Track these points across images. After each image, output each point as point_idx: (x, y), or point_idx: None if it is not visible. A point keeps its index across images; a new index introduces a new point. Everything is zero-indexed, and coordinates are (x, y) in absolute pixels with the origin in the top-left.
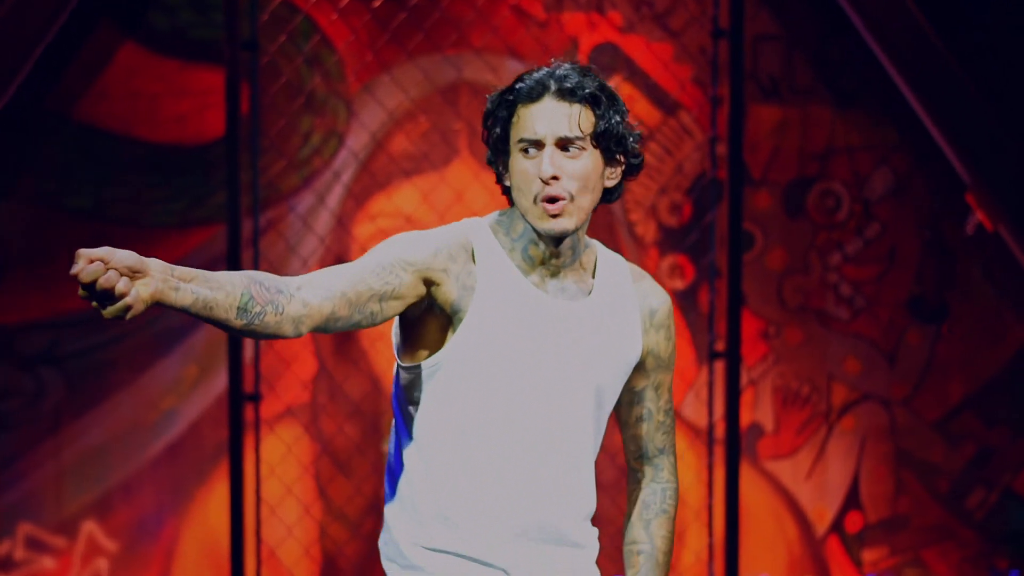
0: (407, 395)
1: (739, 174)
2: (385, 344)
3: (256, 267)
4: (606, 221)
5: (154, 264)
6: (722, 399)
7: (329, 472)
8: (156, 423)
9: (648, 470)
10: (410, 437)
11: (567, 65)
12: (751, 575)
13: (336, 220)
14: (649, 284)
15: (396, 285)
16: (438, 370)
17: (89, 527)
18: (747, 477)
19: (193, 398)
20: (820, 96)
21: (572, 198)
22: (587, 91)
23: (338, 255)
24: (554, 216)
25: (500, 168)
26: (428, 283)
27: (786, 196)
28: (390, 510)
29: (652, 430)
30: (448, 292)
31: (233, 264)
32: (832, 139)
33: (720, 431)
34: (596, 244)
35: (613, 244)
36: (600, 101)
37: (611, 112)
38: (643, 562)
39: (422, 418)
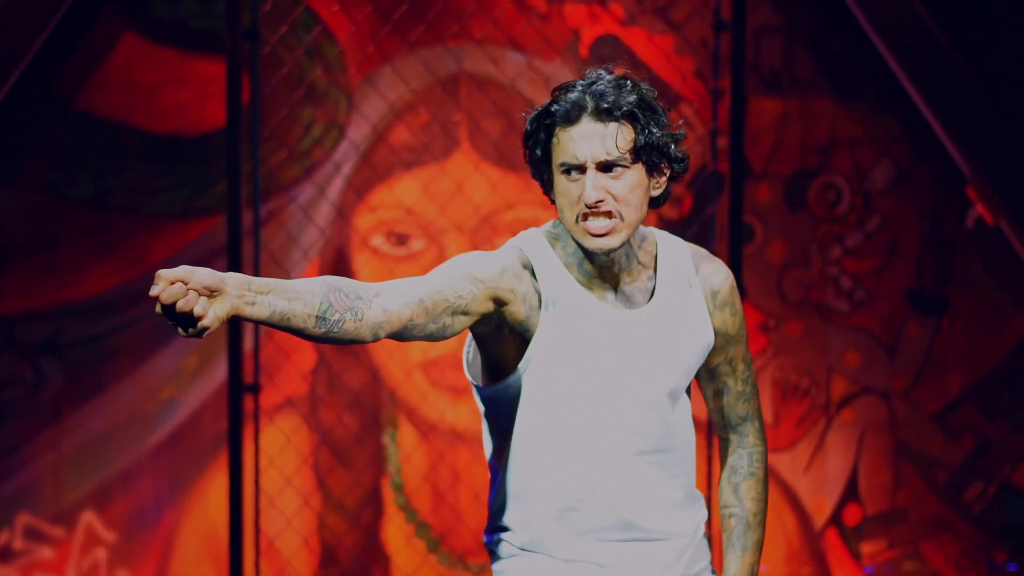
0: (490, 412)
1: (740, 167)
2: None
3: (256, 257)
4: None
5: (231, 280)
6: None
7: (328, 463)
8: (155, 413)
9: (734, 437)
10: (498, 448)
11: (603, 78)
12: None
13: (336, 211)
14: (710, 266)
15: (468, 300)
16: (512, 391)
17: (88, 517)
18: None
19: (192, 388)
20: (821, 89)
21: (621, 217)
22: (624, 109)
23: (338, 247)
24: (598, 236)
25: (546, 184)
26: (497, 302)
27: (787, 189)
28: (493, 510)
29: (732, 401)
30: (516, 312)
31: (233, 254)
32: (833, 132)
33: None
34: (654, 233)
35: None
36: (638, 116)
37: (651, 125)
38: (734, 525)
39: (503, 434)
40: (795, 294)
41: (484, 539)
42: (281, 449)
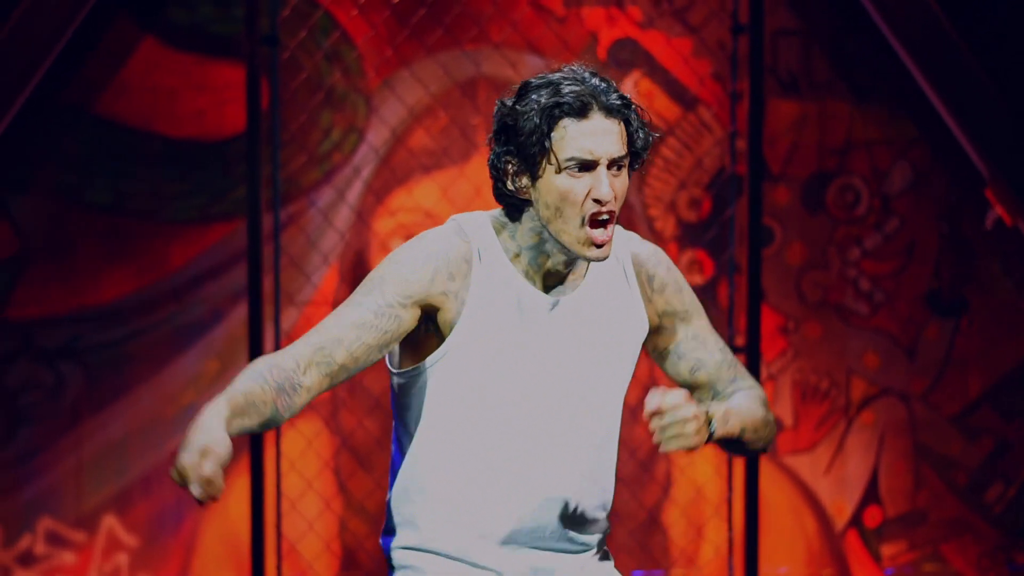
0: (401, 400)
1: (759, 169)
2: None
3: (276, 261)
4: (625, 216)
5: (220, 438)
6: None
7: (349, 467)
8: (176, 418)
9: (730, 391)
10: (407, 440)
11: (587, 73)
12: (770, 569)
13: (356, 215)
14: (641, 251)
15: (394, 330)
16: (427, 374)
17: (109, 522)
18: (766, 472)
19: (213, 393)
20: (838, 91)
21: (616, 219)
22: (627, 108)
23: (358, 250)
24: (600, 245)
25: (519, 180)
26: (428, 308)
27: (805, 191)
28: (392, 509)
29: (715, 371)
30: (447, 313)
31: (253, 258)
32: (851, 134)
33: None
34: None
35: None
36: (632, 116)
37: (641, 125)
38: (737, 396)
39: (414, 423)
40: (814, 296)
41: (380, 542)
42: (302, 453)
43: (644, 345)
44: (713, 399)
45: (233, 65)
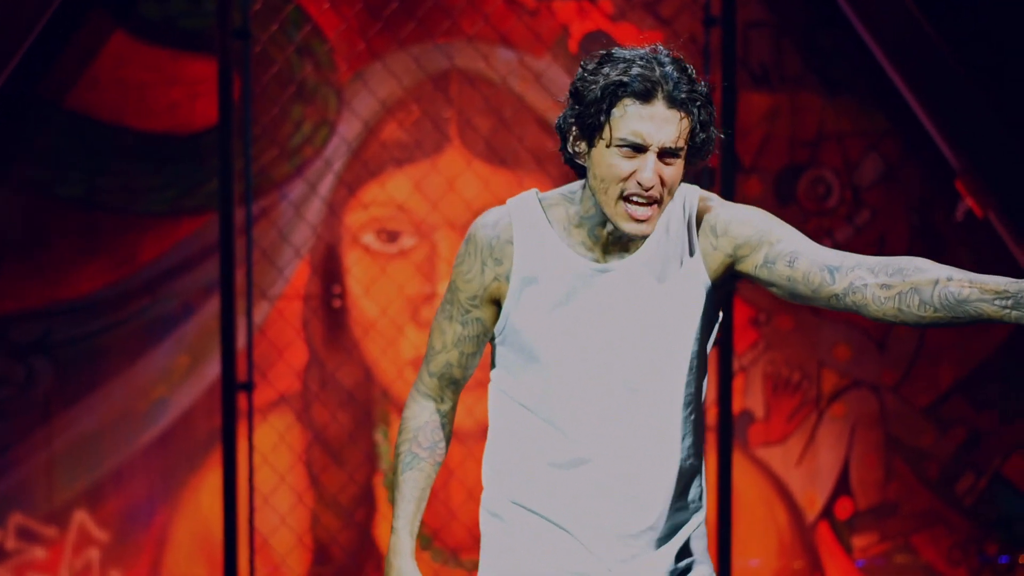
0: (492, 363)
1: (731, 162)
2: (377, 333)
3: (249, 255)
4: None
5: (406, 562)
6: (714, 386)
7: (322, 461)
8: (147, 412)
9: (871, 267)
10: (496, 398)
11: (667, 59)
12: (742, 561)
13: (328, 208)
14: (701, 202)
15: (482, 331)
16: (497, 342)
17: (80, 517)
18: (738, 464)
19: (184, 387)
20: (810, 83)
21: (661, 203)
22: (696, 103)
23: (329, 243)
24: (639, 221)
25: (579, 145)
26: (496, 296)
27: (776, 183)
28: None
29: (819, 254)
30: (505, 290)
31: (226, 251)
32: (822, 126)
33: (712, 418)
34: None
35: None
36: (701, 112)
37: (710, 123)
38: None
39: (497, 385)
40: None
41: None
42: (274, 447)
43: (742, 279)
44: (828, 279)
45: (204, 59)
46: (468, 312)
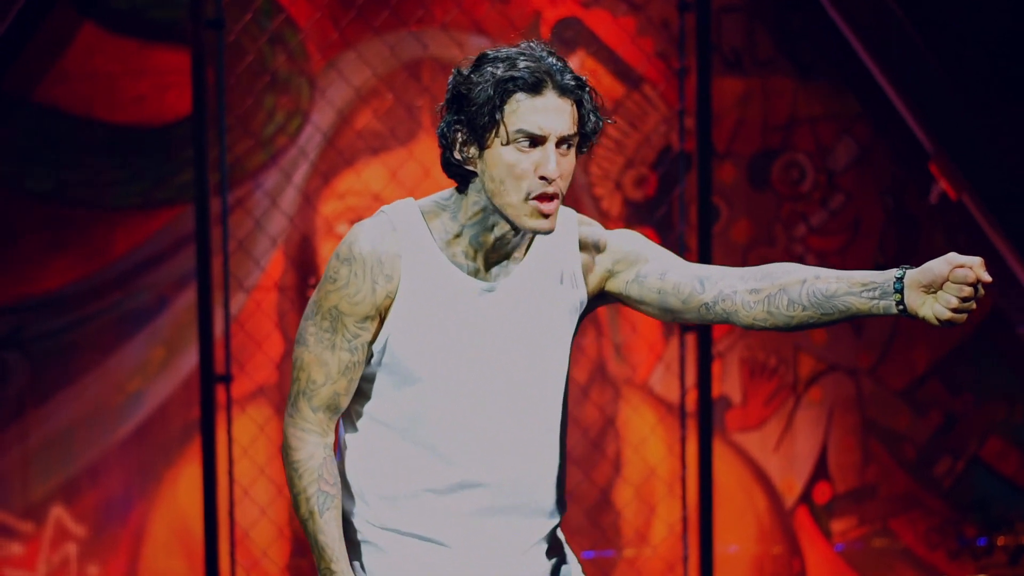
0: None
1: (707, 147)
2: None
3: (225, 245)
4: (570, 195)
5: None
6: (693, 372)
7: None
8: (123, 406)
9: (749, 272)
10: (356, 417)
11: (547, 50)
12: (721, 547)
13: (304, 198)
14: (587, 227)
15: (367, 350)
16: (372, 360)
17: (57, 512)
18: (716, 450)
19: (160, 380)
20: (782, 67)
21: (561, 197)
22: (583, 89)
23: (305, 233)
24: (547, 215)
25: (467, 151)
26: (381, 312)
27: (750, 168)
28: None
29: (688, 269)
30: (390, 304)
31: (202, 242)
32: (795, 110)
33: (692, 404)
34: None
35: None
36: (585, 98)
37: (593, 108)
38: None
39: (362, 403)
40: None
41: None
42: (254, 439)
43: (609, 298)
44: (699, 288)
45: (174, 50)
46: (357, 337)
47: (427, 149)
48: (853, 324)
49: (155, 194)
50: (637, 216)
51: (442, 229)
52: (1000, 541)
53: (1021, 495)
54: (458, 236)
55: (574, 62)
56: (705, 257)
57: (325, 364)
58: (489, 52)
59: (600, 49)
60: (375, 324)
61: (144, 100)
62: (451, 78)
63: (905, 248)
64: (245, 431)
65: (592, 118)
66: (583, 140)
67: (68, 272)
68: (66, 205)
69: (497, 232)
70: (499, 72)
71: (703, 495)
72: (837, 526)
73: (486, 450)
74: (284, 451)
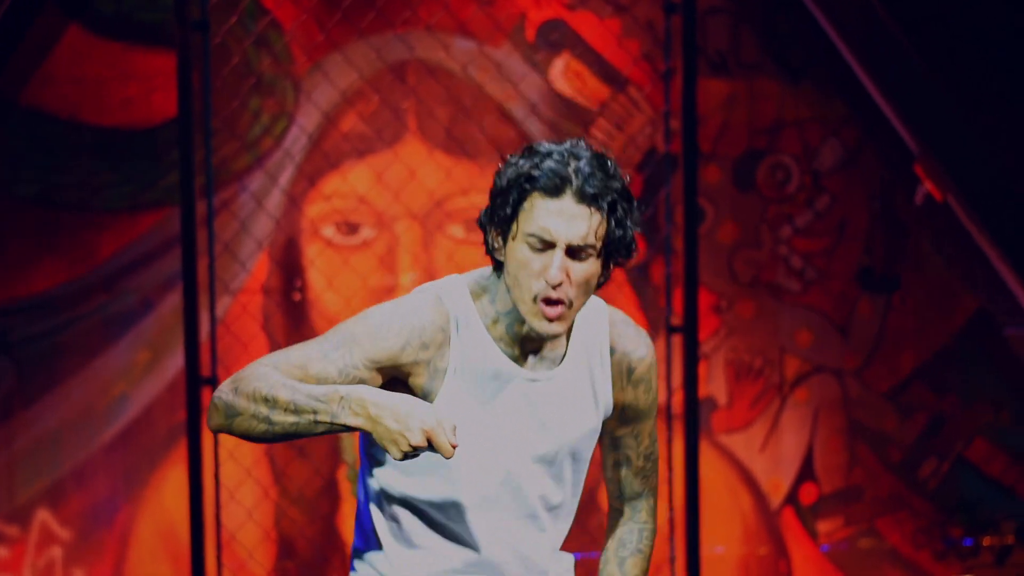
0: (372, 448)
1: (693, 149)
2: None
3: (211, 248)
4: None
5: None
6: (679, 373)
7: (287, 455)
8: (108, 409)
9: (627, 510)
10: (376, 487)
11: (585, 153)
12: (707, 548)
13: (289, 200)
14: (630, 339)
15: (358, 380)
16: None
17: (42, 516)
18: (702, 451)
19: (145, 383)
20: (768, 70)
21: (571, 304)
22: (608, 199)
23: (290, 235)
24: (551, 320)
25: (494, 241)
26: (396, 374)
27: (736, 170)
28: (357, 553)
29: (631, 476)
30: (419, 379)
31: (188, 245)
32: (781, 112)
33: (678, 405)
34: None
35: None
36: (617, 208)
37: (626, 219)
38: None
39: (386, 474)
40: (746, 274)
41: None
42: (239, 442)
43: None
44: (615, 492)
45: (160, 52)
46: (355, 368)
47: (412, 151)
48: (839, 325)
49: (141, 197)
50: None
51: (484, 311)
52: (986, 541)
53: (1007, 496)
54: (496, 322)
55: (559, 64)
56: (691, 258)
57: (308, 360)
58: (536, 144)
59: (585, 51)
60: (378, 377)
61: (130, 103)
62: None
63: (891, 250)
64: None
65: (619, 230)
66: (609, 251)
67: (54, 275)
68: (52, 208)
69: (527, 326)
70: (524, 167)
71: (689, 496)
72: (823, 527)
73: (510, 534)
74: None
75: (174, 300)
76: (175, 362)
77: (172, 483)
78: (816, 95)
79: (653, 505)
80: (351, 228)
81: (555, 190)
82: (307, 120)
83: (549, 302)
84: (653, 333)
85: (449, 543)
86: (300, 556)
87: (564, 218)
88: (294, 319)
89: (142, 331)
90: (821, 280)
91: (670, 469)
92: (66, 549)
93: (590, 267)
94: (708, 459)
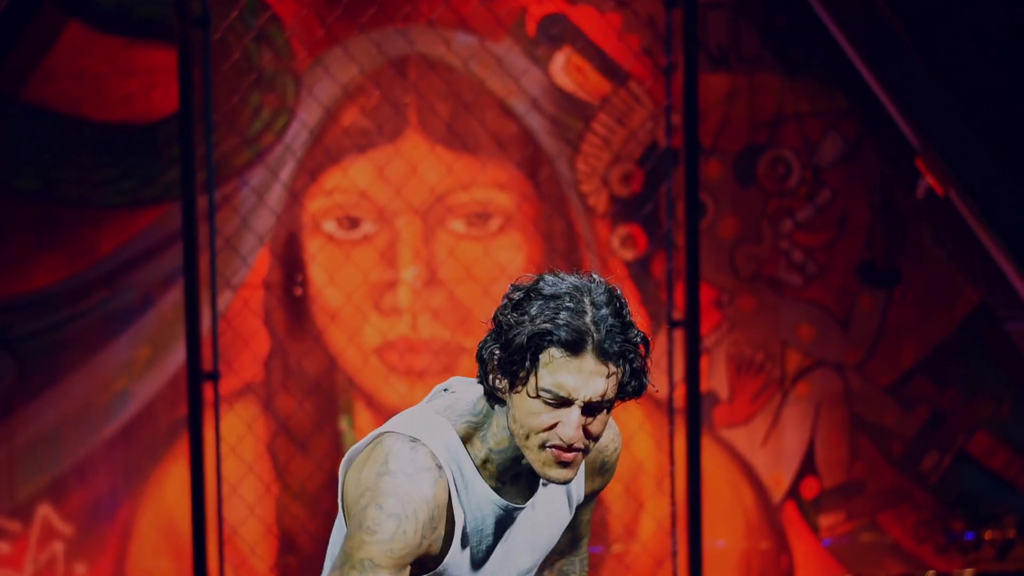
0: None
1: (694, 143)
2: (339, 324)
3: (212, 243)
4: (557, 193)
5: None
6: (681, 368)
7: (288, 450)
8: (109, 405)
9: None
10: None
11: (603, 305)
12: (709, 542)
13: (290, 195)
14: (606, 435)
15: None
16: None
17: (44, 511)
18: (704, 445)
19: (146, 379)
20: (768, 64)
21: (585, 452)
22: (628, 355)
23: (291, 230)
24: (564, 465)
25: (499, 381)
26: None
27: (736, 164)
28: None
29: (581, 527)
30: (432, 549)
31: (189, 240)
32: (781, 106)
33: (680, 400)
34: None
35: (564, 216)
36: (635, 361)
37: (642, 369)
38: None
39: None
40: (747, 269)
41: None
42: (241, 437)
43: None
44: (558, 549)
45: (160, 48)
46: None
47: (413, 146)
48: (840, 319)
49: (142, 192)
50: (624, 212)
51: (476, 454)
52: (988, 535)
53: (1008, 490)
54: (487, 462)
55: (560, 59)
56: (693, 253)
57: None
58: (543, 286)
59: (586, 46)
60: (408, 569)
61: (131, 99)
62: (503, 299)
63: (891, 244)
64: (232, 429)
65: (633, 385)
66: (630, 397)
67: (55, 271)
68: (53, 204)
69: (525, 463)
70: (539, 321)
71: (691, 491)
72: (825, 521)
73: None
74: None
75: (175, 296)
76: (176, 357)
77: (174, 478)
78: (816, 89)
79: (588, 540)
80: (352, 223)
81: (573, 347)
82: (308, 115)
83: (562, 449)
84: (655, 328)
85: None
86: (302, 551)
87: (584, 376)
88: (295, 314)
89: (143, 327)
90: (822, 274)
91: (672, 463)
92: (68, 545)
93: (604, 418)
94: (710, 453)
